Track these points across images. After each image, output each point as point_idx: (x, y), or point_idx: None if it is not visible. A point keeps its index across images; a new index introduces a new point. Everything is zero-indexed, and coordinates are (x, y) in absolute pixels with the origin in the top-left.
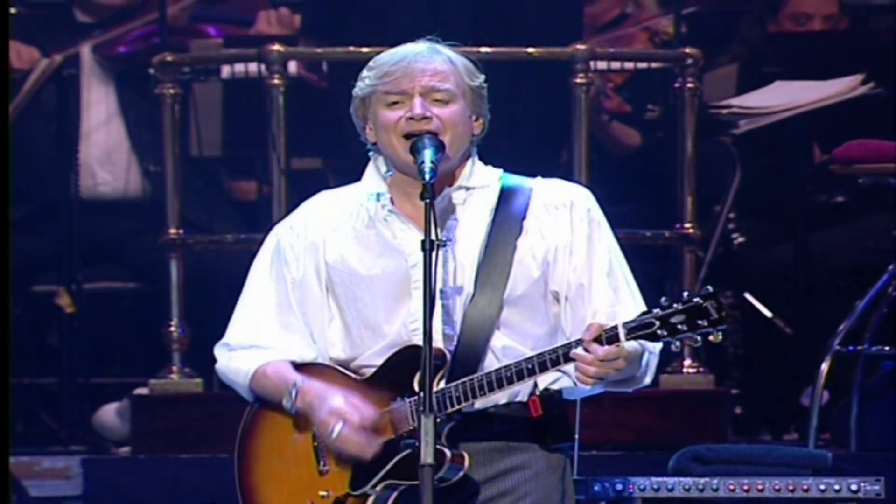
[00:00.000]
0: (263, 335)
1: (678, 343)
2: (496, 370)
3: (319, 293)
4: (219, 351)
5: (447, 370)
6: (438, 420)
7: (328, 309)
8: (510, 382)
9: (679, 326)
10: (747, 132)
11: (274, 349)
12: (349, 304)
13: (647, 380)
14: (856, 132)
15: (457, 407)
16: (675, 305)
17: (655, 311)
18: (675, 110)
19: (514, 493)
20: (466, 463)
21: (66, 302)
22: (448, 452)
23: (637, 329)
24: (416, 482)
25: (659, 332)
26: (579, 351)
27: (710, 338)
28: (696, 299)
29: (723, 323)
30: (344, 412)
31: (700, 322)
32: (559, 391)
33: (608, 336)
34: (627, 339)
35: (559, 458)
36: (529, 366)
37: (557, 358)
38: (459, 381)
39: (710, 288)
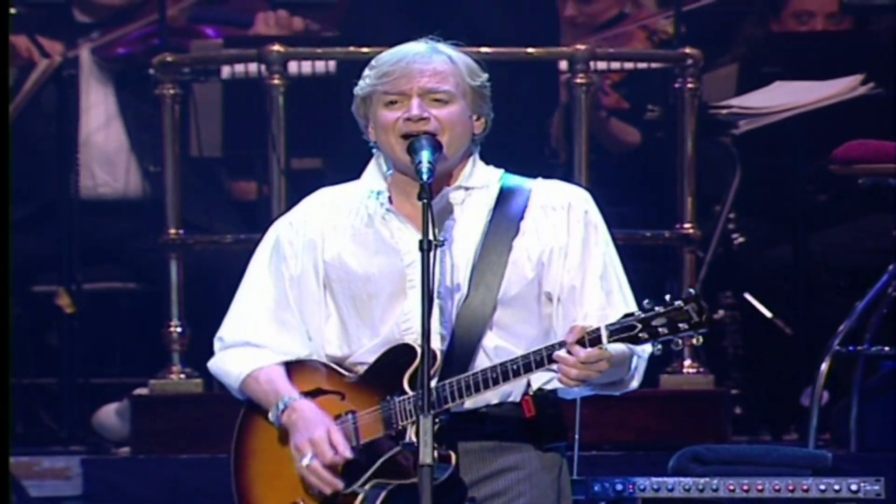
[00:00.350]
0: (259, 332)
1: (660, 346)
2: (482, 371)
3: (317, 290)
4: (216, 346)
5: (438, 369)
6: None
7: (325, 306)
8: (496, 383)
9: (660, 329)
10: (747, 132)
11: (268, 348)
12: (345, 301)
13: (635, 384)
14: (856, 132)
15: (444, 407)
16: (656, 308)
17: (637, 313)
18: (675, 110)
19: (508, 493)
20: (453, 461)
21: (66, 302)
22: (435, 452)
23: (619, 331)
24: (405, 481)
25: (640, 334)
26: (561, 353)
27: (693, 341)
28: (677, 302)
29: (703, 326)
30: (320, 446)
31: (681, 325)
32: (553, 391)
33: (591, 338)
34: (609, 342)
35: (554, 457)
36: (514, 367)
37: (541, 360)
38: (446, 381)
39: (692, 291)
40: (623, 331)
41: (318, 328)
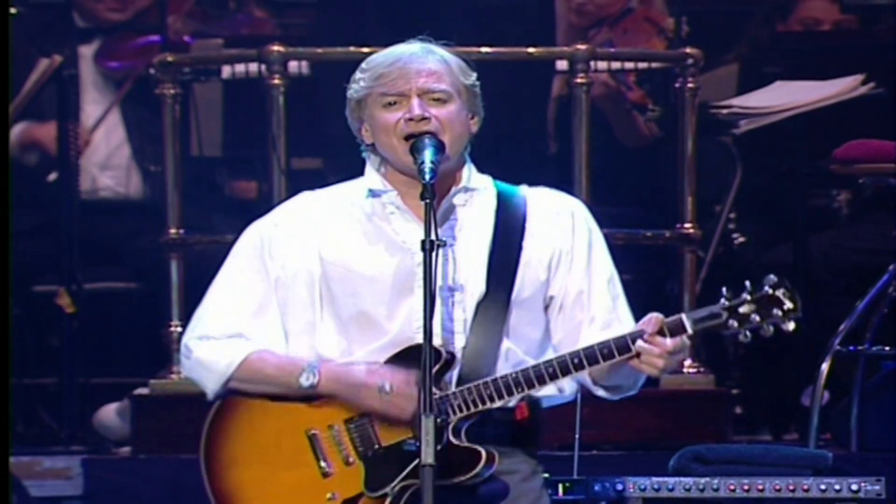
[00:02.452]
0: (247, 327)
1: (748, 333)
2: (534, 366)
3: (306, 292)
4: (194, 342)
5: (457, 369)
6: (466, 414)
7: (317, 307)
8: (553, 378)
9: (752, 316)
10: (747, 132)
11: (255, 340)
12: (346, 300)
13: (634, 391)
14: (856, 132)
15: (487, 406)
16: (743, 296)
17: (722, 301)
18: (676, 110)
19: (508, 495)
20: (496, 463)
21: (66, 302)
22: (483, 451)
23: (705, 320)
24: (444, 482)
25: (729, 321)
26: (644, 344)
27: (783, 327)
28: (766, 289)
29: (796, 312)
30: (382, 372)
31: (774, 311)
32: (539, 399)
33: (672, 327)
34: (695, 330)
35: (537, 463)
36: (576, 360)
37: (610, 351)
38: (498, 376)
39: (773, 277)
40: (709, 318)
41: (302, 331)
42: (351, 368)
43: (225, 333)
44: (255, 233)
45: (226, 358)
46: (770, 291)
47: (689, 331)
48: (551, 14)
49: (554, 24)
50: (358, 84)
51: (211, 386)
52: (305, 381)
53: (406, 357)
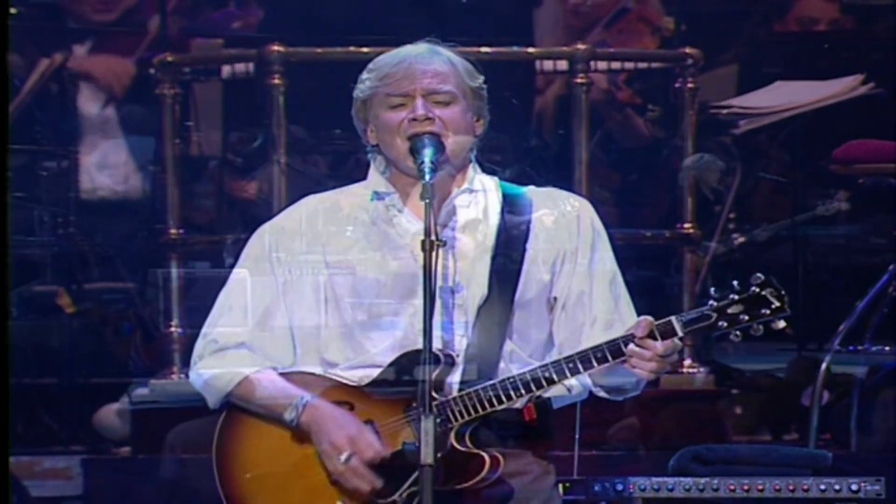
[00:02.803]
0: (254, 336)
1: (738, 333)
2: (531, 370)
3: (312, 295)
4: (201, 349)
5: (459, 371)
6: (467, 419)
7: (323, 311)
8: (550, 382)
9: (740, 317)
10: (747, 132)
11: (262, 352)
12: (350, 304)
13: (637, 391)
14: (856, 132)
15: (493, 408)
16: (730, 296)
17: (710, 303)
18: (676, 110)
19: (517, 496)
20: (501, 466)
21: (66, 302)
22: (487, 456)
23: (694, 322)
24: (440, 488)
25: (719, 323)
26: (634, 348)
27: (773, 325)
28: (753, 288)
29: (784, 310)
30: (359, 443)
31: (762, 311)
32: (549, 399)
33: (663, 331)
34: (685, 333)
35: (549, 464)
36: (570, 364)
37: (604, 355)
38: (497, 381)
39: (760, 275)
40: (699, 320)
41: (310, 334)
42: (337, 421)
43: (231, 343)
44: (263, 237)
45: (226, 376)
46: (757, 290)
47: (679, 333)
48: (529, 13)
49: (528, 23)
50: (364, 84)
51: (210, 400)
52: (289, 416)
53: (404, 363)
